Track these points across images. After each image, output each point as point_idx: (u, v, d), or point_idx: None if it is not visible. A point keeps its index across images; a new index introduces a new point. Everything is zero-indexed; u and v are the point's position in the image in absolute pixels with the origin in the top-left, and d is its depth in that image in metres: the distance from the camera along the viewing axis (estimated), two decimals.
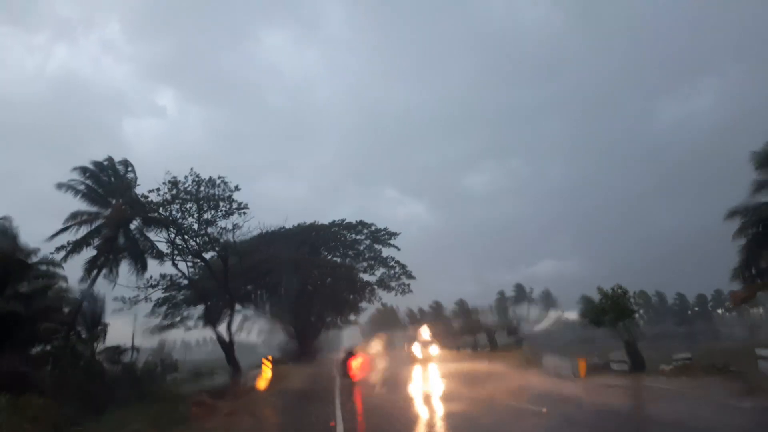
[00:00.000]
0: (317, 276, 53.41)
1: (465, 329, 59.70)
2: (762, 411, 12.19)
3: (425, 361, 39.58)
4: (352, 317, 63.41)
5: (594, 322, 26.24)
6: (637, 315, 26.47)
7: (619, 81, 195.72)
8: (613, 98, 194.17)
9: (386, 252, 57.31)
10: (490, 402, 16.31)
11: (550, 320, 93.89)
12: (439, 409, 15.54)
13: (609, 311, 24.89)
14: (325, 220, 56.80)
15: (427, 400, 17.94)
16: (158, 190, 33.25)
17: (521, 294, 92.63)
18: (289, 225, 51.23)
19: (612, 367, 24.32)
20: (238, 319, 48.07)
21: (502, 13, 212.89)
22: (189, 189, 34.60)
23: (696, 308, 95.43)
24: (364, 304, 60.76)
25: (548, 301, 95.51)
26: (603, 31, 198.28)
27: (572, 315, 64.71)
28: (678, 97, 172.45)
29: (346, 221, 56.75)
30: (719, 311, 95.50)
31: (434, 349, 43.54)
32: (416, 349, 43.25)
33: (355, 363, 24.82)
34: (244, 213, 37.81)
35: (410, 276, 57.45)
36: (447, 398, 18.37)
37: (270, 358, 25.36)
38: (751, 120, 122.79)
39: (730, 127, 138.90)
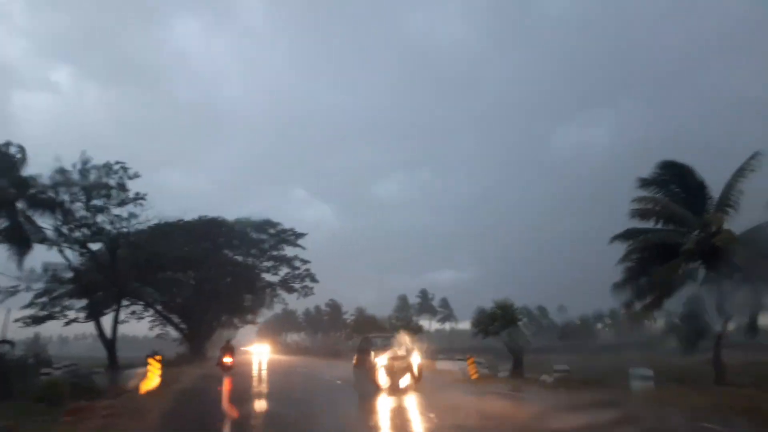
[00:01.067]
0: (216, 273, 51.74)
1: (362, 333, 60.12)
2: (616, 422, 13.40)
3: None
4: (249, 317, 62.01)
5: (483, 331, 27.60)
6: (521, 324, 28.19)
7: (525, 105, 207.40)
8: (519, 120, 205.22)
9: (291, 252, 56.64)
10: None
11: (446, 327, 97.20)
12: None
13: (498, 318, 26.55)
14: (230, 216, 55.19)
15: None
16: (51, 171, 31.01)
17: (424, 300, 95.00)
18: (190, 218, 49.29)
19: (498, 374, 26.01)
20: (125, 314, 45.55)
21: (423, 29, 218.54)
22: (79, 172, 32.43)
23: (579, 323, 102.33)
24: (264, 305, 59.71)
25: (446, 309, 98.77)
26: (514, 58, 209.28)
27: (466, 324, 67.12)
28: (576, 125, 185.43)
29: (251, 219, 55.43)
30: (599, 325, 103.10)
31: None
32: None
33: (228, 358, 27.98)
34: (141, 204, 36.01)
35: (314, 279, 57.22)
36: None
37: (158, 357, 24.12)
38: (640, 149, 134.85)
39: (621, 154, 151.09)
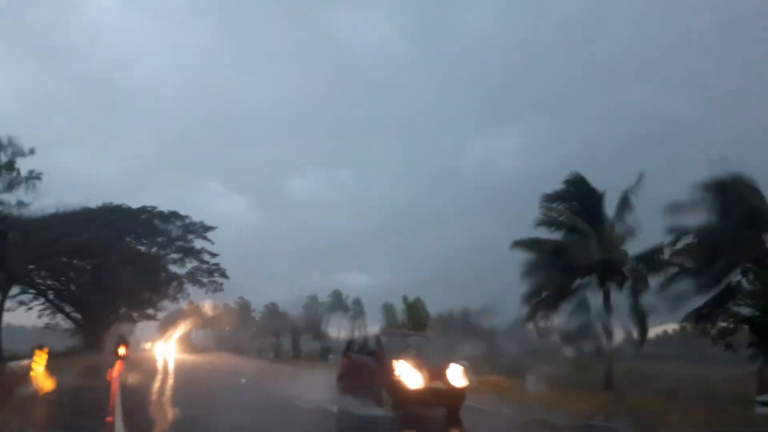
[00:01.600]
0: (117, 263, 48.90)
1: (271, 331, 59.23)
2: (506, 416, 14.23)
3: None
4: (151, 311, 59.08)
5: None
6: (428, 327, 28.94)
7: (444, 114, 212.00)
8: (437, 128, 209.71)
9: (200, 245, 54.56)
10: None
11: (357, 329, 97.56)
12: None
13: (407, 320, 27.09)
14: (136, 204, 52.33)
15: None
16: None
17: (337, 300, 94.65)
18: (92, 205, 46.28)
19: None
20: (12, 302, 42.05)
21: (349, 28, 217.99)
22: None
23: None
24: (168, 299, 57.09)
25: (358, 310, 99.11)
26: (436, 67, 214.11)
27: (376, 325, 67.76)
28: (490, 136, 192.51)
29: (158, 209, 52.91)
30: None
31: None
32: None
33: (122, 350, 30.80)
34: (35, 184, 33.36)
35: (224, 275, 55.47)
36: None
37: (45, 349, 22.48)
38: (546, 162, 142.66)
39: (529, 167, 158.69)
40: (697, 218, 17.88)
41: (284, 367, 37.09)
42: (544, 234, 21.60)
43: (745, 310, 13.22)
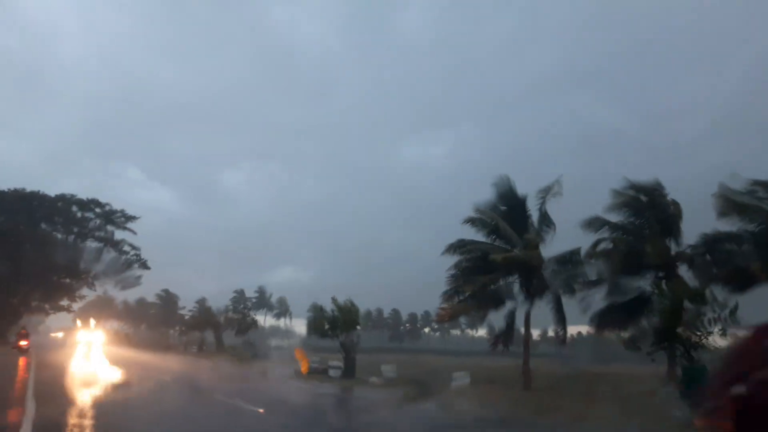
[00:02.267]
0: (30, 252, 45.87)
1: (196, 326, 57.54)
2: (430, 413, 14.63)
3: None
4: (65, 302, 55.81)
5: (319, 331, 27.95)
6: (358, 327, 29.03)
7: (377, 115, 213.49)
8: (369, 129, 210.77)
9: (120, 235, 52.04)
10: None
11: (282, 324, 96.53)
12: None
13: (338, 321, 27.03)
14: (52, 191, 49.28)
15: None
16: None
17: (262, 297, 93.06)
18: (4, 189, 43.21)
19: (329, 373, 26.58)
20: None
21: (285, 22, 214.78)
22: None
23: (407, 325, 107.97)
24: (84, 290, 54.15)
25: (283, 307, 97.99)
26: (369, 68, 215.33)
27: (301, 322, 67.33)
28: (421, 141, 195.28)
29: (76, 197, 50.03)
30: (426, 330, 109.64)
31: None
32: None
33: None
34: None
35: (145, 266, 53.12)
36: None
37: None
38: (475, 168, 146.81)
39: (459, 172, 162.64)
40: (614, 223, 19.03)
41: (206, 363, 36.22)
42: (472, 237, 22.18)
43: (654, 316, 14.17)
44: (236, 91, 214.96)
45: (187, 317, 65.12)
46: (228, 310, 60.53)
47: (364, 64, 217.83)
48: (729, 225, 16.77)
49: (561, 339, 22.61)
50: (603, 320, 20.03)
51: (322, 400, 18.08)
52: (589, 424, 13.07)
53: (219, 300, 64.83)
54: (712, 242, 17.28)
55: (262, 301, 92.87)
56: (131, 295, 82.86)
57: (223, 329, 53.24)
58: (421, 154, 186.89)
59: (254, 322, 55.29)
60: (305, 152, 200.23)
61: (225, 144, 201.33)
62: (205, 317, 55.12)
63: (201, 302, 61.74)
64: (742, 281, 15.30)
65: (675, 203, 18.50)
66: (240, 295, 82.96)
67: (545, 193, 21.35)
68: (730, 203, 16.29)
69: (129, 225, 51.57)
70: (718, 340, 13.50)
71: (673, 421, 12.14)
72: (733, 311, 13.03)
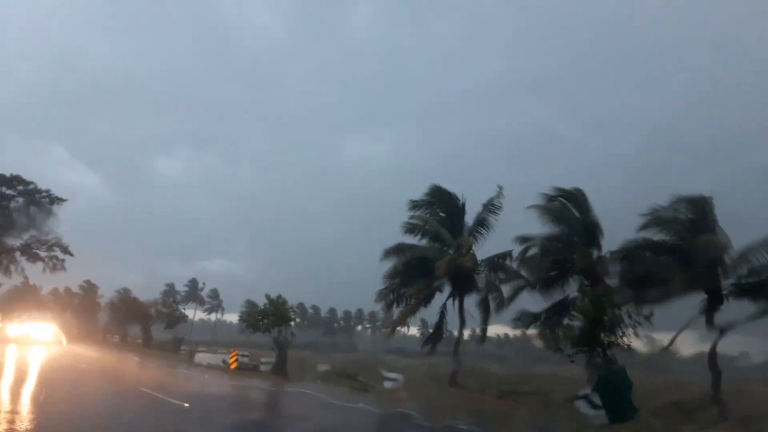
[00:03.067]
0: None
1: (120, 317, 55.14)
2: (360, 410, 14.76)
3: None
4: None
5: (253, 326, 27.45)
6: (293, 323, 28.74)
7: (320, 111, 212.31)
8: (312, 125, 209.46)
9: (42, 217, 48.70)
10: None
11: (212, 318, 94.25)
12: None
13: (270, 315, 26.59)
14: None
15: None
16: None
17: (193, 289, 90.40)
18: None
19: (260, 368, 26.30)
20: None
21: (230, 12, 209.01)
22: None
23: (342, 322, 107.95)
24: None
25: (215, 299, 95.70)
26: (315, 63, 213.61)
27: (233, 316, 65.80)
28: (363, 139, 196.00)
29: None
30: (359, 327, 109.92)
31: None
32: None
33: None
34: None
35: (67, 251, 50.14)
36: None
37: None
38: (414, 168, 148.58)
39: (400, 171, 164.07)
40: (542, 228, 19.86)
41: (133, 357, 34.84)
42: (409, 239, 22.43)
43: (576, 319, 14.79)
44: (175, 75, 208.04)
45: (109, 307, 62.17)
46: (157, 302, 58.28)
47: (310, 58, 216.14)
48: (652, 236, 17.80)
49: (480, 338, 23.37)
50: (526, 321, 20.72)
51: (248, 396, 17.81)
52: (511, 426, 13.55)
53: (148, 292, 62.52)
54: (632, 250, 18.26)
55: (193, 294, 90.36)
56: (54, 284, 78.43)
57: (151, 322, 51.29)
58: (362, 151, 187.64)
59: (183, 316, 53.55)
60: (245, 143, 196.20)
61: (160, 129, 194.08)
62: (130, 308, 52.84)
63: (123, 292, 59.10)
64: (660, 289, 16.27)
65: (592, 211, 19.30)
66: (170, 288, 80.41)
67: (488, 203, 21.90)
68: (653, 218, 17.32)
69: (54, 207, 48.46)
70: (634, 345, 14.30)
71: (591, 428, 12.77)
72: (648, 317, 13.83)
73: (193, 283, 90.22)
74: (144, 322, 50.93)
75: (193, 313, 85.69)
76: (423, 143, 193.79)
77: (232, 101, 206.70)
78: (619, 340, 13.51)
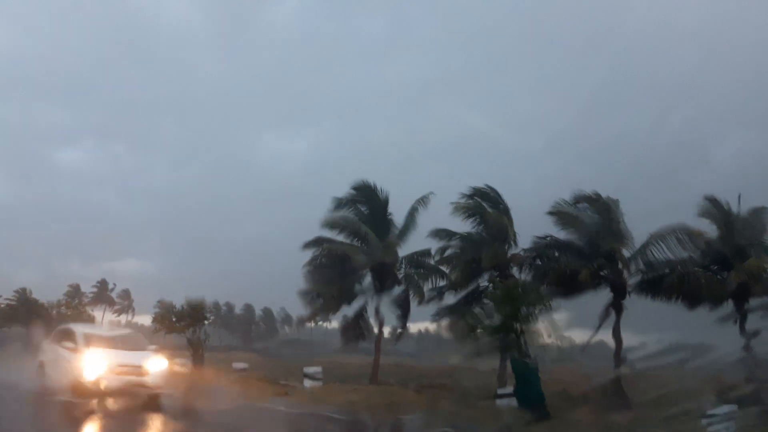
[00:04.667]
0: None
1: (16, 318, 51.11)
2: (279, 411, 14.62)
3: None
4: None
5: (166, 326, 26.59)
6: (207, 322, 27.96)
7: (238, 103, 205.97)
8: (229, 118, 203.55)
9: None
10: None
11: (122, 320, 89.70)
12: None
13: (186, 318, 25.86)
14: None
15: None
16: None
17: (103, 290, 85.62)
18: None
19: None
20: None
21: None
22: None
23: (261, 323, 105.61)
24: None
25: (126, 300, 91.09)
26: (232, 53, 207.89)
27: (145, 317, 62.90)
28: (282, 135, 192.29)
29: None
30: (286, 328, 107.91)
31: None
32: None
33: None
34: None
35: None
36: None
37: None
38: (334, 165, 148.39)
39: (320, 168, 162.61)
40: (459, 234, 20.43)
41: None
42: (330, 235, 22.30)
43: (490, 312, 15.36)
44: (82, 60, 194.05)
45: (2, 306, 57.46)
46: (60, 303, 54.55)
47: (228, 50, 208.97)
48: (560, 233, 18.77)
49: (399, 334, 23.70)
50: (443, 314, 21.40)
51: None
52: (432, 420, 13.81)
53: (50, 293, 58.19)
54: (542, 248, 19.17)
55: (102, 296, 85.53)
56: None
57: (55, 324, 47.99)
58: (282, 146, 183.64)
59: (91, 319, 50.56)
60: (157, 135, 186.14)
61: (62, 118, 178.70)
62: (28, 309, 49.09)
63: (21, 292, 54.93)
64: (569, 285, 17.19)
65: (506, 210, 20.04)
66: (75, 289, 75.56)
67: (416, 203, 22.17)
68: (561, 216, 18.25)
69: None
70: (545, 337, 15.04)
71: (507, 420, 13.24)
72: (554, 307, 14.70)
73: (102, 285, 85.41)
74: (48, 324, 47.57)
75: (102, 315, 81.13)
76: (344, 140, 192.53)
77: (143, 91, 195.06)
78: (531, 330, 14.16)
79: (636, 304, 17.95)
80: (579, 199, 18.28)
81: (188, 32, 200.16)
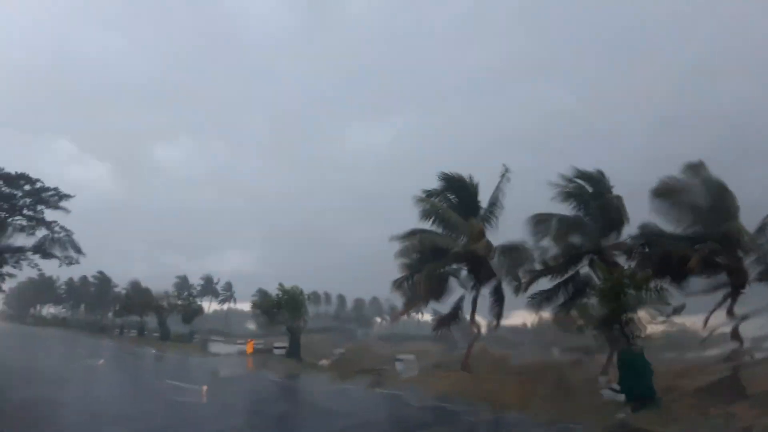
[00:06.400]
0: None
1: (134, 308, 55.52)
2: (377, 395, 14.76)
3: None
4: None
5: (267, 314, 27.72)
6: (304, 312, 28.90)
7: (322, 97, 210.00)
8: (313, 111, 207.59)
9: (52, 216, 48.99)
10: None
11: (224, 308, 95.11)
12: None
13: (284, 305, 26.82)
14: None
15: None
16: None
17: (208, 284, 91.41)
18: None
19: (274, 353, 26.70)
20: None
21: (231, 2, 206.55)
22: None
23: (354, 311, 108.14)
24: (11, 270, 50.81)
25: (228, 291, 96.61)
26: (318, 47, 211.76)
27: (245, 304, 66.12)
28: (367, 126, 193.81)
29: (3, 170, 46.36)
30: (378, 319, 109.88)
31: None
32: None
33: None
34: None
35: (79, 250, 50.47)
36: None
37: None
38: (423, 156, 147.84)
39: (406, 159, 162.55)
40: (559, 217, 19.51)
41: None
42: (423, 226, 22.14)
43: (594, 301, 14.61)
44: (177, 64, 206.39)
45: (123, 299, 62.66)
46: (169, 295, 58.63)
47: (309, 46, 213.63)
48: (664, 218, 17.50)
49: (495, 325, 23.07)
50: (540, 301, 20.46)
51: (262, 380, 17.93)
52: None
53: (157, 284, 62.50)
54: (647, 231, 17.95)
55: (208, 288, 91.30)
56: (66, 274, 79.23)
57: (166, 314, 51.65)
58: (367, 138, 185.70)
59: (200, 309, 54.36)
60: (248, 133, 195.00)
61: (164, 120, 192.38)
62: (143, 299, 53.19)
63: (135, 284, 59.56)
64: (677, 271, 16.03)
65: (618, 196, 18.99)
66: (183, 280, 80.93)
67: (499, 184, 21.58)
68: (668, 194, 16.94)
69: (62, 204, 48.61)
70: (655, 327, 14.13)
71: (617, 414, 12.50)
72: (663, 295, 13.71)
73: (207, 279, 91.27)
74: (160, 314, 51.30)
75: (209, 306, 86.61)
76: (427, 129, 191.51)
77: (234, 88, 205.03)
78: (639, 323, 13.33)
79: (754, 290, 16.49)
80: (688, 170, 16.88)
81: (271, 35, 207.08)
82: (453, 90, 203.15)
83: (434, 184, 22.39)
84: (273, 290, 27.94)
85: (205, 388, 13.23)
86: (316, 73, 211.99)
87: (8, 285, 56.36)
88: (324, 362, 24.36)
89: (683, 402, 13.22)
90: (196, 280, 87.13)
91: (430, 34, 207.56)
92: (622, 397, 13.19)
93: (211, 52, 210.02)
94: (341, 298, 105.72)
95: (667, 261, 16.43)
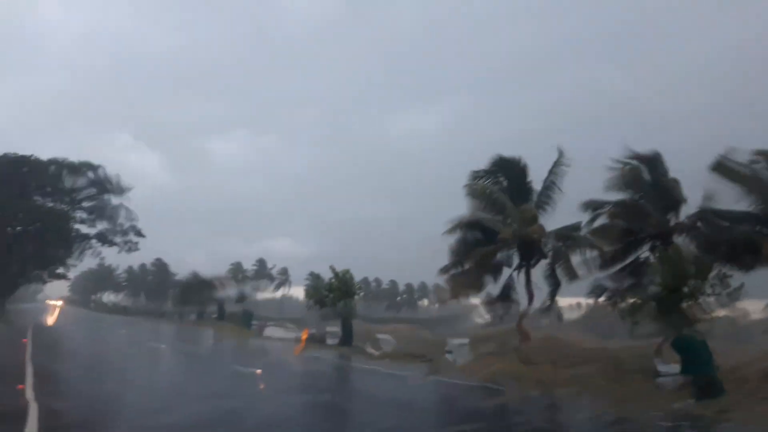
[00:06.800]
0: (24, 221, 45.39)
1: (192, 296, 57.68)
2: (426, 385, 14.89)
3: None
4: (61, 271, 55.59)
5: (318, 301, 28.12)
6: (357, 297, 29.22)
7: (369, 85, 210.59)
8: (360, 98, 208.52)
9: (114, 203, 51.05)
10: None
11: (278, 295, 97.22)
12: None
13: (335, 290, 27.17)
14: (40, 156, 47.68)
15: None
16: None
17: (262, 268, 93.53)
18: None
19: (327, 341, 27.10)
20: None
21: None
22: None
23: (404, 295, 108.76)
24: (76, 258, 53.56)
25: (285, 276, 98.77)
26: (364, 35, 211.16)
27: (299, 290, 67.47)
28: (416, 111, 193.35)
29: (68, 160, 48.38)
30: (424, 301, 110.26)
31: None
32: None
33: None
34: None
35: (140, 234, 52.58)
36: None
37: None
38: (471, 139, 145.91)
39: (456, 142, 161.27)
40: (614, 195, 18.93)
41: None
42: (472, 209, 21.85)
43: (653, 288, 14.13)
44: (228, 58, 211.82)
45: (181, 285, 65.12)
46: (226, 279, 60.52)
47: (353, 35, 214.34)
48: (728, 199, 16.63)
49: (546, 308, 22.58)
50: (599, 291, 19.95)
51: (317, 365, 18.35)
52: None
53: (212, 271, 64.70)
54: (709, 214, 17.14)
55: (262, 272, 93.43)
56: (126, 262, 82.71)
57: (223, 298, 53.44)
58: (416, 123, 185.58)
59: (253, 293, 55.92)
60: (297, 120, 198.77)
61: (216, 111, 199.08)
62: (202, 290, 55.12)
63: (194, 275, 61.57)
64: (743, 256, 15.29)
65: (674, 179, 18.24)
66: (237, 266, 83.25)
67: (552, 167, 21.06)
68: (730, 173, 16.05)
69: (123, 191, 50.45)
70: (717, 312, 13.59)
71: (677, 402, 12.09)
72: (734, 286, 13.13)
73: (261, 263, 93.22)
74: (218, 299, 53.18)
75: (265, 291, 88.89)
76: (478, 112, 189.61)
77: (282, 79, 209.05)
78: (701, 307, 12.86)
79: None
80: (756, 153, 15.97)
81: (316, 26, 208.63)
82: (501, 71, 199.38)
83: (485, 164, 21.99)
84: (325, 274, 28.53)
85: (269, 374, 13.75)
86: (362, 62, 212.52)
87: (73, 273, 59.68)
88: (375, 350, 24.55)
89: (749, 391, 12.71)
90: (248, 266, 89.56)
91: (481, 15, 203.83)
92: (678, 382, 12.78)
93: (260, 46, 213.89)
94: (393, 283, 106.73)
95: (730, 244, 15.67)
